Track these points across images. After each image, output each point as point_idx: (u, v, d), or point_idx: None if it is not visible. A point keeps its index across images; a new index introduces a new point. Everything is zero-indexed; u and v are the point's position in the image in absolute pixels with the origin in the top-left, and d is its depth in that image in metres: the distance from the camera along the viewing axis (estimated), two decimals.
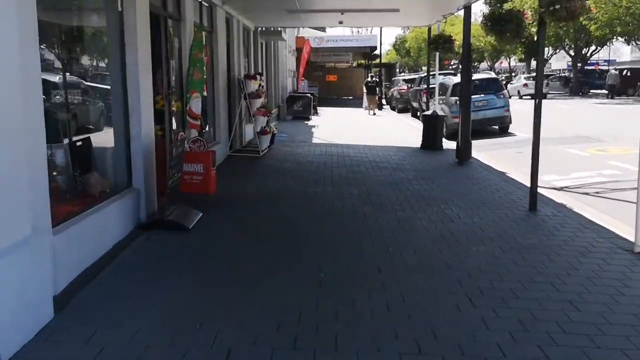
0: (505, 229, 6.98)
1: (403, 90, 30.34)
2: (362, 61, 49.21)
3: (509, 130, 18.75)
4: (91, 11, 6.19)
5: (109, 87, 6.29)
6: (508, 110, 18.29)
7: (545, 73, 62.36)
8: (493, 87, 18.51)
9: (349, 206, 8.06)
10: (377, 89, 29.49)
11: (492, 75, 27.72)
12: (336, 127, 20.66)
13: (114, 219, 5.65)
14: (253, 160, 11.89)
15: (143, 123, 6.23)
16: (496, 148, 15.54)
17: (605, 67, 61.86)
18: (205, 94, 10.23)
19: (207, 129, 11.22)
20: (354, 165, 11.77)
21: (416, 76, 30.80)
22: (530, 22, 8.92)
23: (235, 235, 6.64)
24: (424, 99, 23.27)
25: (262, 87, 13.47)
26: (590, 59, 53.49)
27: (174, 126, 8.43)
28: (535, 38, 8.96)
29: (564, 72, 65.38)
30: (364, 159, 12.59)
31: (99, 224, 5.27)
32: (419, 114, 25.43)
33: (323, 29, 58.12)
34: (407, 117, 26.67)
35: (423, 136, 14.78)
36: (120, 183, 6.19)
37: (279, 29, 18.11)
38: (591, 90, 45.70)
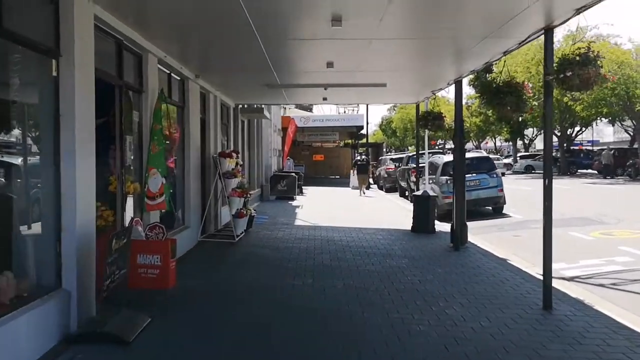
0: (521, 336, 5.77)
1: (390, 170, 29.61)
2: (349, 140, 49.06)
3: (503, 212, 17.80)
4: (19, 76, 5.18)
5: (38, 167, 5.19)
6: (502, 190, 17.39)
7: (530, 153, 62.73)
8: (485, 166, 17.70)
9: (333, 305, 6.83)
10: (368, 168, 28.66)
11: (484, 154, 27.15)
12: (322, 207, 19.60)
13: (29, 333, 4.40)
14: (227, 246, 10.69)
15: (79, 210, 5.09)
16: (491, 231, 14.49)
17: (590, 147, 62.45)
18: (171, 170, 9.20)
19: (176, 212, 10.10)
20: (339, 251, 10.61)
21: (404, 155, 30.20)
22: (531, 95, 8.06)
23: (190, 349, 5.36)
24: (413, 178, 22.45)
25: (240, 165, 12.48)
26: (575, 139, 53.79)
27: (131, 211, 7.29)
28: (525, 114, 8.06)
29: None
30: (351, 244, 11.44)
31: (3, 342, 4.02)
32: (407, 193, 24.54)
33: (310, 109, 58.46)
34: (395, 197, 25.73)
35: (414, 218, 13.73)
36: (46, 284, 4.98)
37: (261, 106, 17.38)
38: (579, 170, 45.48)
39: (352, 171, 32.31)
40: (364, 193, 25.54)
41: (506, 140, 65.93)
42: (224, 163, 10.64)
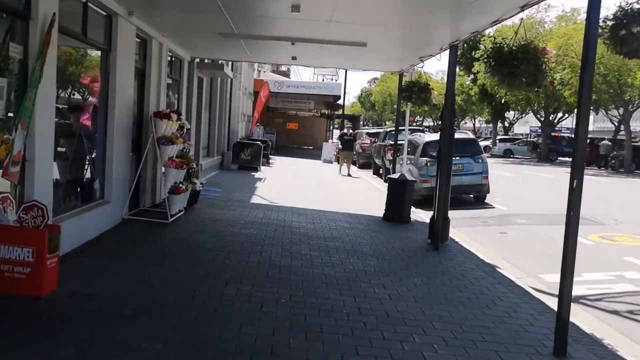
0: None
1: (366, 145, 27.71)
2: (325, 111, 46.98)
3: (485, 201, 16.08)
4: None
5: None
6: (487, 177, 15.63)
7: (510, 136, 61.41)
8: (470, 149, 15.85)
9: (267, 339, 4.87)
10: (354, 144, 24.55)
11: (470, 135, 25.26)
12: (287, 182, 17.64)
13: None
14: (156, 228, 8.67)
15: None
16: (475, 224, 12.75)
17: (568, 135, 61.28)
18: (86, 129, 7.17)
19: (94, 180, 8.06)
20: (295, 242, 8.71)
21: (381, 130, 28.28)
22: (554, 64, 6.14)
23: None
24: (389, 156, 20.60)
25: (187, 130, 10.41)
26: (557, 125, 52.47)
27: None
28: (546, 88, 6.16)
29: (529, 137, 64.59)
30: (310, 233, 9.54)
31: None
32: (381, 171, 22.74)
33: (287, 74, 55.95)
34: (368, 174, 23.89)
35: (387, 204, 11.88)
36: None
37: (221, 62, 15.16)
38: (559, 158, 44.21)
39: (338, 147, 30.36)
40: (349, 174, 21.70)
41: (487, 121, 64.48)
42: (159, 125, 8.58)
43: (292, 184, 17.04)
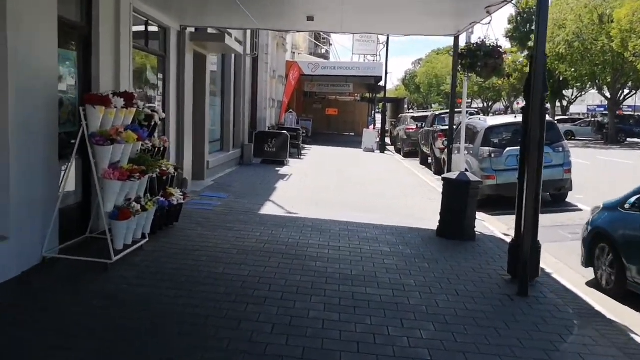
0: None
1: (411, 130, 24.37)
2: (366, 94, 43.55)
3: (566, 199, 12.64)
4: None
5: None
6: (569, 170, 12.16)
7: (568, 116, 56.46)
8: (547, 135, 12.33)
9: None
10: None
11: (547, 118, 21.43)
12: (316, 179, 14.51)
13: None
14: (88, 275, 5.55)
15: None
16: (562, 238, 9.42)
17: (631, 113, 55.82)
18: None
19: None
20: (303, 293, 5.60)
21: (428, 114, 24.82)
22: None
23: None
24: (439, 144, 17.26)
25: (157, 121, 7.39)
26: (623, 103, 47.48)
27: None
28: None
29: (590, 117, 59.51)
30: (332, 269, 6.42)
31: None
32: (430, 161, 19.42)
33: (325, 56, 52.58)
34: (414, 164, 20.60)
35: (442, 214, 8.68)
36: None
37: (218, 31, 11.98)
38: (628, 139, 39.59)
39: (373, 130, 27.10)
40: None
41: None
42: (92, 115, 5.58)
43: (322, 183, 13.91)
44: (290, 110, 26.64)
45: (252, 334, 4.50)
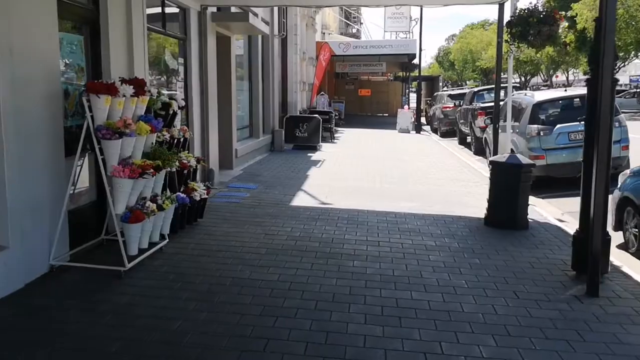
0: None
1: (448, 109, 23.38)
2: (400, 73, 42.38)
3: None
4: None
5: None
6: (627, 147, 11.15)
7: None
8: None
9: None
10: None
11: None
12: (350, 164, 13.77)
13: None
14: (98, 285, 4.98)
15: None
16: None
17: None
18: None
19: None
20: (339, 301, 4.93)
21: (466, 91, 23.75)
22: None
23: None
24: (480, 122, 16.29)
25: (175, 110, 6.76)
26: None
27: None
28: None
29: (633, 88, 57.07)
30: (371, 270, 5.72)
31: None
32: (469, 140, 18.48)
33: (357, 35, 51.41)
34: (453, 144, 19.67)
35: (490, 200, 7.87)
36: None
37: (242, 10, 11.21)
38: None
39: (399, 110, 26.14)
40: None
41: (584, 72, 57.27)
42: (98, 105, 4.95)
43: (356, 168, 13.16)
44: (322, 93, 25.86)
45: (283, 357, 3.83)
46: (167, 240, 6.11)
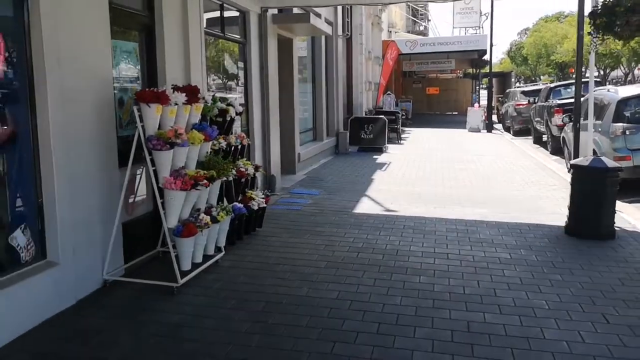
0: None
1: (522, 106, 22.30)
2: (469, 70, 41.15)
3: None
4: None
5: None
6: None
7: None
8: None
9: None
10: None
11: None
12: (418, 167, 13.24)
13: None
14: (150, 303, 4.74)
15: None
16: None
17: None
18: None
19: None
20: (404, 323, 4.50)
21: (541, 87, 22.61)
22: None
23: None
24: (557, 120, 15.36)
25: (233, 116, 6.53)
26: None
27: None
28: None
29: None
30: (439, 287, 5.25)
31: None
32: (544, 138, 17.50)
33: (424, 33, 50.33)
34: (527, 143, 18.72)
35: (571, 206, 7.21)
36: None
37: (304, 10, 10.89)
38: None
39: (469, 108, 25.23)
40: None
41: None
42: (148, 115, 4.74)
43: (424, 171, 12.62)
44: (389, 92, 25.33)
45: None
46: (224, 252, 5.87)
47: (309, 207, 8.69)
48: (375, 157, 15.12)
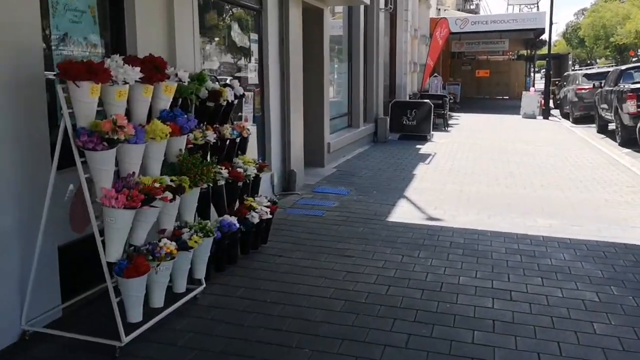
0: None
1: (584, 91, 20.06)
2: (523, 51, 38.50)
3: None
4: None
5: None
6: None
7: None
8: None
9: None
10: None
11: None
12: (467, 160, 11.46)
13: None
14: None
15: None
16: None
17: None
18: None
19: None
20: None
21: (610, 69, 20.29)
22: None
23: None
24: (629, 107, 13.31)
25: (234, 99, 5.00)
26: None
27: None
28: None
29: None
30: (505, 348, 3.60)
31: None
32: (612, 127, 15.43)
33: (475, 11, 47.57)
34: (590, 133, 16.64)
35: None
36: None
37: None
38: None
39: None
40: None
41: None
42: (77, 96, 3.23)
43: (473, 166, 10.84)
44: (436, 75, 23.36)
45: None
46: (204, 285, 4.34)
47: (333, 212, 7.09)
48: (418, 146, 13.37)
